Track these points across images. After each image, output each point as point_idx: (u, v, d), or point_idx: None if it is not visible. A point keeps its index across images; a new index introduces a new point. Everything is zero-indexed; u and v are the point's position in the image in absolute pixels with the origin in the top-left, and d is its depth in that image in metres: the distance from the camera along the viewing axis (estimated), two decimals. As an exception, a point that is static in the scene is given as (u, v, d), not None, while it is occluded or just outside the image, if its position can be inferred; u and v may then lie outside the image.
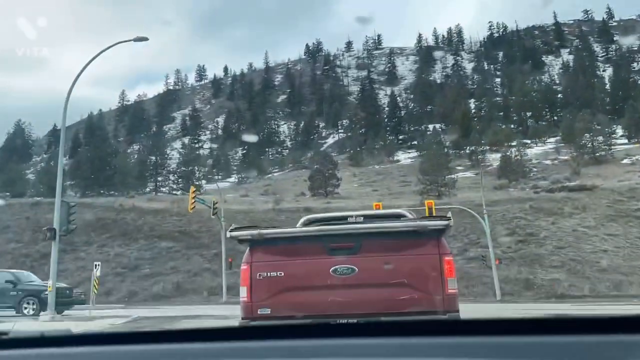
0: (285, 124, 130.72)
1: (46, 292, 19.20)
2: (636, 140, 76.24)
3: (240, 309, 5.39)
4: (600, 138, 69.71)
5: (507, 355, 1.02)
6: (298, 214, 27.29)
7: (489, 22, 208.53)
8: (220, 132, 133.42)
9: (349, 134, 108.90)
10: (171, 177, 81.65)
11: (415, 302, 4.94)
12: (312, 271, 5.22)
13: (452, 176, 59.44)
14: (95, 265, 20.69)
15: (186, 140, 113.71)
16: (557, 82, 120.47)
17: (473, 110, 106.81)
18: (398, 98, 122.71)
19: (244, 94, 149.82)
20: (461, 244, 36.35)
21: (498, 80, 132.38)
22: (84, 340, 1.33)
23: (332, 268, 5.10)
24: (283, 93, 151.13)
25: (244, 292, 5.27)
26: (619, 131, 79.16)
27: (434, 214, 20.24)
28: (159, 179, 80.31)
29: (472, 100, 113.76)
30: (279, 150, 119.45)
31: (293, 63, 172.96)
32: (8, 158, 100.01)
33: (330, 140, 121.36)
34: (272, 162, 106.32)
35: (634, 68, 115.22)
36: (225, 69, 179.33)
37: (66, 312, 20.02)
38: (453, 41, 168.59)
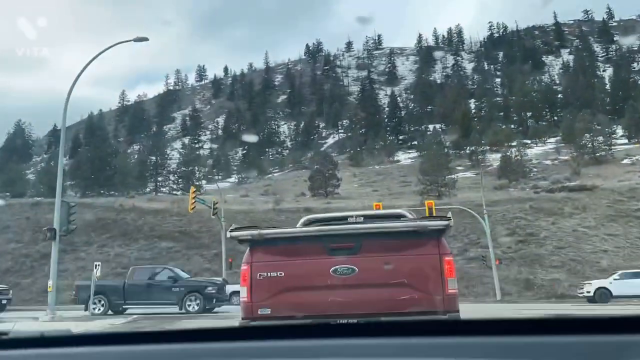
0: (285, 124, 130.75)
1: (210, 288, 19.22)
2: (636, 140, 76.26)
3: (240, 309, 5.40)
4: (601, 138, 69.73)
5: (507, 355, 1.02)
6: (298, 214, 27.27)
7: (489, 22, 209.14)
8: (220, 132, 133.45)
9: (349, 134, 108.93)
10: (171, 177, 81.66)
11: (415, 302, 4.94)
12: (312, 271, 5.22)
13: (452, 176, 59.45)
14: (96, 265, 20.66)
15: (186, 140, 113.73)
16: (557, 82, 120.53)
17: (473, 111, 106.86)
18: (398, 98, 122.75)
19: (244, 94, 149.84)
20: (461, 244, 36.36)
21: (498, 80, 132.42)
22: (84, 340, 1.33)
23: (332, 268, 5.10)
24: (283, 93, 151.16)
25: (244, 292, 5.28)
26: (619, 131, 79.20)
27: (434, 214, 20.22)
28: (159, 179, 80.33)
29: (472, 101, 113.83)
30: (279, 150, 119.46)
31: (293, 63, 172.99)
32: (8, 158, 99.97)
33: (330, 141, 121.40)
34: (272, 162, 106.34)
35: (634, 68, 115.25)
36: (225, 69, 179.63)
37: (66, 312, 19.94)
38: (453, 41, 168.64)
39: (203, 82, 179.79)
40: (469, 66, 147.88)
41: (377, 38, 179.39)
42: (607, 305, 23.00)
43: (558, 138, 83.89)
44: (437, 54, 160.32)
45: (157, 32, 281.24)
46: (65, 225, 17.68)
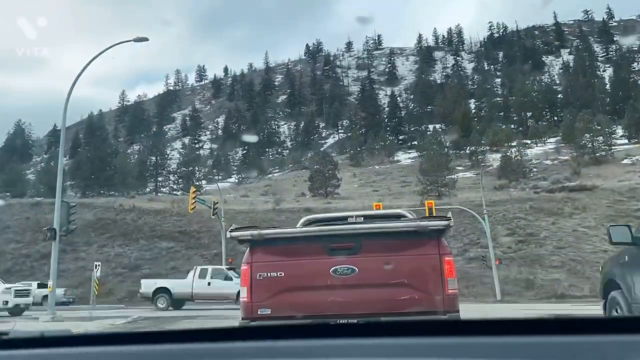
0: (285, 124, 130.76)
1: None
2: (636, 140, 76.23)
3: (240, 309, 5.40)
4: (601, 138, 69.68)
5: (507, 355, 1.02)
6: (298, 214, 27.28)
7: (489, 22, 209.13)
8: (220, 132, 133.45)
9: (349, 134, 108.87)
10: (171, 178, 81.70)
11: (415, 302, 4.94)
12: (312, 271, 5.22)
13: (452, 176, 59.47)
14: (96, 265, 20.67)
15: (186, 140, 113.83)
16: (557, 82, 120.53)
17: (473, 111, 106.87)
18: (398, 98, 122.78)
19: (244, 94, 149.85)
20: (461, 244, 36.37)
21: (498, 80, 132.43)
22: (84, 340, 1.33)
23: (332, 268, 5.10)
24: (283, 93, 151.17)
25: (244, 293, 5.28)
26: (619, 131, 79.19)
27: (434, 214, 20.22)
28: (159, 179, 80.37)
29: (472, 101, 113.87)
30: (279, 150, 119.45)
31: (293, 63, 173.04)
32: (8, 158, 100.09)
33: (330, 141, 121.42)
34: (272, 163, 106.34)
35: (634, 68, 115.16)
36: (225, 69, 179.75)
37: (65, 312, 19.97)
38: (453, 41, 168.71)
39: (203, 82, 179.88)
40: (469, 66, 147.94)
41: (377, 38, 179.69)
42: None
43: (558, 138, 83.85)
44: (437, 54, 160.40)
45: (157, 32, 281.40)
46: (65, 225, 17.68)
